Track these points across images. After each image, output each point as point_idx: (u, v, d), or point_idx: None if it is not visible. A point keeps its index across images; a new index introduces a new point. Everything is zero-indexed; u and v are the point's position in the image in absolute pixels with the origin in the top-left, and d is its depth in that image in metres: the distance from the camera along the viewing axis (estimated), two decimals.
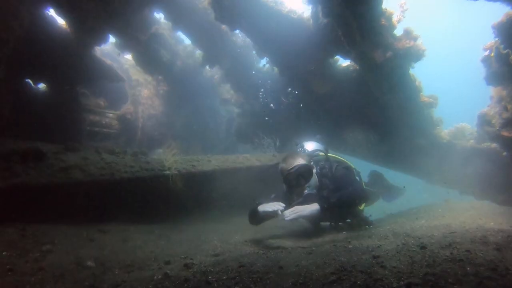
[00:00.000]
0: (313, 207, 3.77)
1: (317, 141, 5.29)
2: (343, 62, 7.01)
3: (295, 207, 3.80)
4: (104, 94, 10.48)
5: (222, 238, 4.38)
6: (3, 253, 2.84)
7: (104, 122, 10.28)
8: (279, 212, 3.76)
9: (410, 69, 5.82)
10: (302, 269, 2.49)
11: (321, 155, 4.73)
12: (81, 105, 8.65)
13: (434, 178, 7.47)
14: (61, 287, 2.46)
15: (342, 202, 3.94)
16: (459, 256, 2.48)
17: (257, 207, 4.13)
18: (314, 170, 4.24)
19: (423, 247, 2.85)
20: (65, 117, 7.71)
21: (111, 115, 10.61)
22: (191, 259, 3.04)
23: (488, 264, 2.29)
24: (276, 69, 8.10)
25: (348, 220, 4.58)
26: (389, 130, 6.86)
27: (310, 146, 5.04)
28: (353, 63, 6.58)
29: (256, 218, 4.23)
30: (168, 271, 2.62)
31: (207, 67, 9.77)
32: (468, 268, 2.24)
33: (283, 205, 3.82)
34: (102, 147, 6.50)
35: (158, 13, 9.01)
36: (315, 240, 3.94)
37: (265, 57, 8.05)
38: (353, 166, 4.90)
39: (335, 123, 7.29)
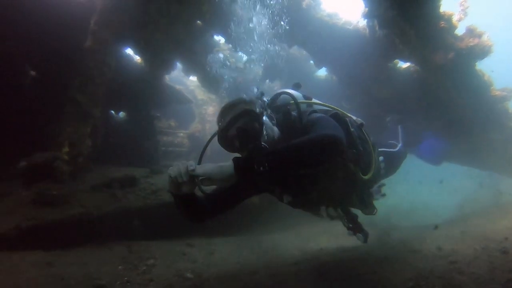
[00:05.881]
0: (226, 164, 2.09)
1: (294, 88, 3.00)
2: (403, 64, 6.90)
3: (207, 163, 2.19)
4: (174, 115, 11.41)
5: (298, 247, 4.64)
6: (119, 267, 3.40)
7: (176, 142, 11.17)
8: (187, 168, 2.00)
9: (477, 65, 5.59)
10: (380, 276, 2.66)
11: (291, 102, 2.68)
12: (156, 128, 9.52)
13: None
14: None
15: (280, 154, 2.04)
16: None
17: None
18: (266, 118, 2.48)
19: (504, 251, 2.83)
20: (143, 140, 8.56)
21: (181, 134, 11.50)
22: (275, 268, 3.35)
23: None
24: (334, 77, 8.22)
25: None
26: (460, 127, 6.58)
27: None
28: (413, 64, 6.46)
29: (180, 202, 2.27)
30: (256, 281, 2.95)
31: (267, 81, 10.14)
32: None
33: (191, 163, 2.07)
34: None
35: (218, 36, 9.62)
36: (389, 245, 4.02)
37: (324, 67, 8.21)
38: (348, 115, 3.00)
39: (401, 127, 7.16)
